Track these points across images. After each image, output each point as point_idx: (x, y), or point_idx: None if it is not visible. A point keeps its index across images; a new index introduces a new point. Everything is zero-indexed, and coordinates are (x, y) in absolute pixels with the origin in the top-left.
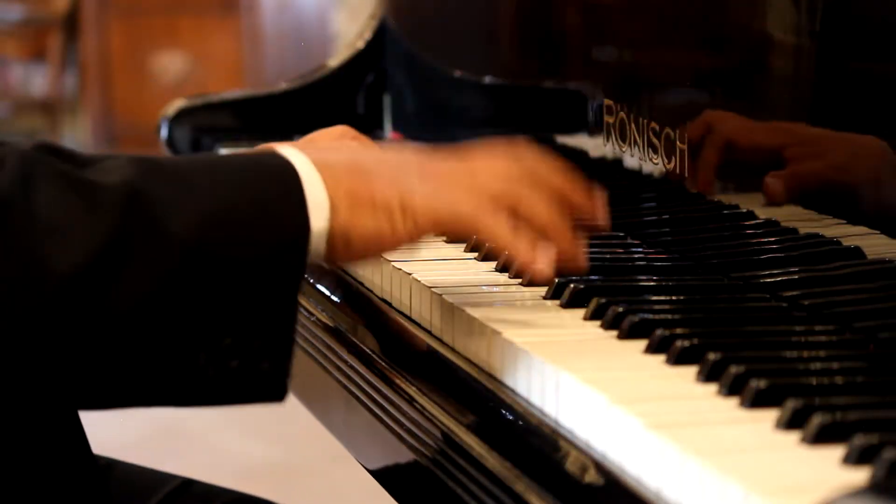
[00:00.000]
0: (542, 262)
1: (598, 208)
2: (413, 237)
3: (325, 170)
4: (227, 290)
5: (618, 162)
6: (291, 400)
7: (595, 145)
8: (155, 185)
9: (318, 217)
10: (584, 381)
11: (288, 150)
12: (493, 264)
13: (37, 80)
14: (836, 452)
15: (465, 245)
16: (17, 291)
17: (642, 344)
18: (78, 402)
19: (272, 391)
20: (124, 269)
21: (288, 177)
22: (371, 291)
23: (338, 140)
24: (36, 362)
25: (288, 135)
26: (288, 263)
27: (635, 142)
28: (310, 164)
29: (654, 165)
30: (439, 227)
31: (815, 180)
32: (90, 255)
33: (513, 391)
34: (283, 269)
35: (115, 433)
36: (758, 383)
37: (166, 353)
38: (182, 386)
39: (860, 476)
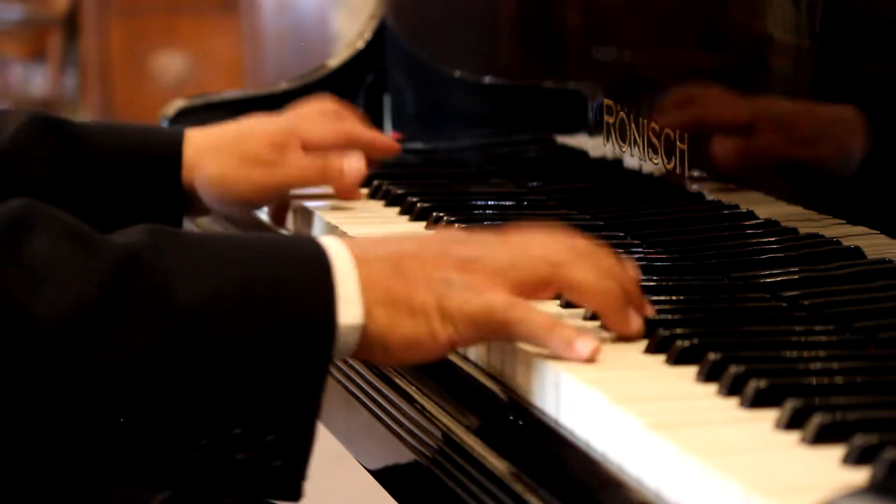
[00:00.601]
0: (583, 347)
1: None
2: (455, 343)
3: (363, 266)
4: (235, 374)
5: (618, 162)
6: None
7: (595, 145)
8: (166, 251)
9: (349, 313)
10: (584, 381)
11: (328, 240)
12: None
13: (37, 80)
14: (836, 452)
15: None
16: None
17: (642, 344)
18: (56, 472)
19: (284, 491)
20: (116, 329)
21: (317, 264)
22: None
23: (337, 152)
24: (10, 417)
25: None
26: (308, 355)
27: (635, 142)
28: (349, 256)
29: (654, 165)
30: (481, 331)
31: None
32: (78, 307)
33: (513, 391)
34: (302, 361)
35: None
36: (758, 383)
37: (160, 431)
38: (175, 471)
39: (860, 476)
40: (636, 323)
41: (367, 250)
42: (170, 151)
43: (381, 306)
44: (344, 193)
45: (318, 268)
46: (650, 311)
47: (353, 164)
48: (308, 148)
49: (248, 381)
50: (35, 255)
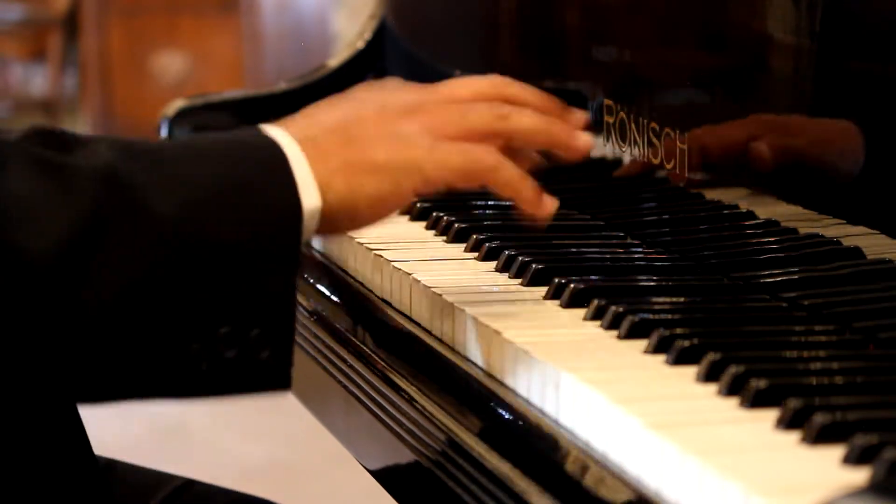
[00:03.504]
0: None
1: (577, 125)
2: (419, 192)
3: (311, 147)
4: (216, 275)
5: (618, 162)
6: (291, 400)
7: (595, 145)
8: (135, 167)
9: (310, 196)
10: (584, 381)
11: (273, 130)
12: (493, 264)
13: (37, 80)
14: (836, 452)
15: (465, 245)
16: None
17: (642, 344)
18: (63, 395)
19: (275, 380)
20: (102, 253)
21: (275, 157)
22: (371, 291)
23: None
24: (15, 353)
25: None
26: (281, 246)
27: (635, 142)
28: (294, 143)
29: (653, 165)
30: (451, 177)
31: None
32: (64, 239)
33: (513, 391)
34: (277, 253)
35: (115, 433)
36: (758, 383)
37: (155, 343)
38: (175, 378)
39: (860, 476)
40: (583, 139)
41: (311, 128)
42: None
43: (339, 175)
44: None
45: (276, 160)
46: (584, 118)
47: None
48: None
49: (229, 279)
50: (15, 195)
